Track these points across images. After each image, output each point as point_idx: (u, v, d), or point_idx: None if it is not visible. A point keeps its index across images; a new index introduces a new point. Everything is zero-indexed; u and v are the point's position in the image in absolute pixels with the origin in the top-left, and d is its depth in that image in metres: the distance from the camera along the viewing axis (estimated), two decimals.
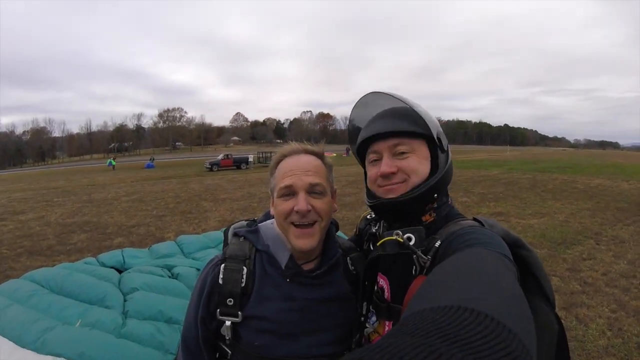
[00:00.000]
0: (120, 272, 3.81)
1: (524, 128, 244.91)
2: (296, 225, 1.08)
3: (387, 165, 1.05)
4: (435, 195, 1.06)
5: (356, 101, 1.25)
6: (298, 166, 1.11)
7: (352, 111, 1.30)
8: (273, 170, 1.16)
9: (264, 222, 1.25)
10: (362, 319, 1.14)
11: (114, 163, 48.53)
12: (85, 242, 8.16)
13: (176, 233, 8.46)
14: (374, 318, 1.14)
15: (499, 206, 11.00)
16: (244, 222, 1.29)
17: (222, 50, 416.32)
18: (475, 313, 0.41)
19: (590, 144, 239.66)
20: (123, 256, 4.46)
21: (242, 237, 1.21)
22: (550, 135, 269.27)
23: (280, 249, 1.16)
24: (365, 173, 1.19)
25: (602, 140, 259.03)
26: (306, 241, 1.08)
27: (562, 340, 0.92)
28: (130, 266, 4.00)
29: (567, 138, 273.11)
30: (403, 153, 1.05)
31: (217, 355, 1.19)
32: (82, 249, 7.52)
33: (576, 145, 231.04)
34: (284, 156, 1.16)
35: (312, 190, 1.08)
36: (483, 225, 0.97)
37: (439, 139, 1.06)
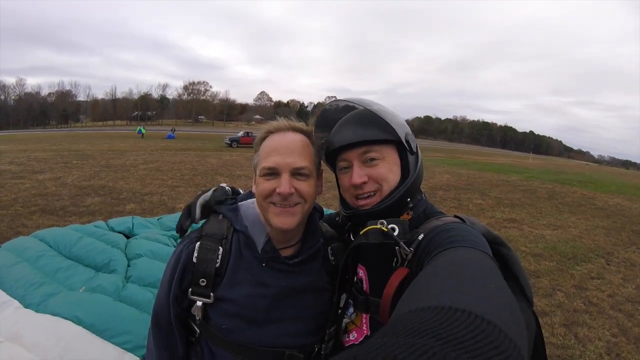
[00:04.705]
0: (128, 237, 3.88)
1: (549, 137, 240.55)
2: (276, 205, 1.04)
3: (357, 175, 1.03)
4: (409, 199, 1.05)
5: (321, 109, 1.23)
6: (283, 145, 1.06)
7: (316, 122, 1.25)
8: (257, 147, 1.11)
9: (245, 202, 1.21)
10: (340, 310, 1.12)
11: (143, 131, 46.38)
12: (98, 205, 8.30)
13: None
14: (351, 309, 1.13)
15: (514, 212, 10.79)
16: (210, 193, 1.21)
17: (254, 28, 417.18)
18: (466, 313, 0.41)
19: (613, 162, 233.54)
20: (133, 223, 4.55)
21: (221, 215, 1.17)
22: (575, 148, 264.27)
23: (258, 231, 1.12)
24: (337, 179, 1.17)
25: (627, 160, 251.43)
26: (286, 220, 1.04)
27: (539, 339, 0.91)
28: (138, 234, 4.08)
29: (592, 152, 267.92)
30: (373, 159, 1.04)
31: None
32: (94, 212, 7.66)
33: (600, 161, 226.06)
34: (270, 132, 1.10)
35: (296, 173, 1.04)
36: (464, 222, 0.96)
37: (407, 141, 1.05)
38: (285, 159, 1.03)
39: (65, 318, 1.97)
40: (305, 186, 1.05)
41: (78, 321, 1.96)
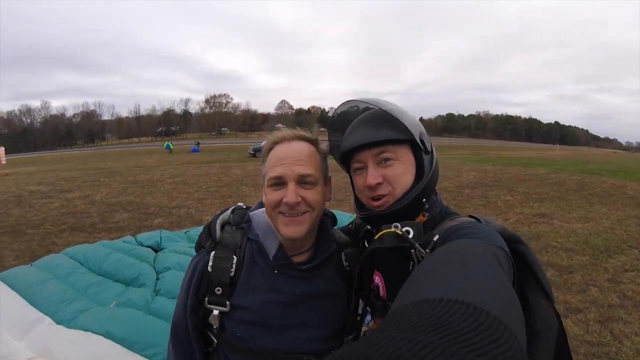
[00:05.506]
0: (156, 251, 3.95)
1: (574, 127, 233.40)
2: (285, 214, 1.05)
3: (372, 176, 1.02)
4: (424, 199, 1.03)
5: (338, 111, 1.23)
6: (289, 154, 1.06)
7: (330, 123, 1.26)
8: (264, 158, 1.12)
9: (256, 211, 1.22)
10: (358, 318, 1.11)
11: (171, 147, 48.01)
12: (127, 221, 8.50)
13: None
14: (368, 317, 1.12)
15: (543, 207, 10.51)
16: (229, 213, 1.22)
17: (271, 37, 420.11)
18: (465, 305, 0.41)
19: None
20: (161, 237, 4.62)
21: (234, 226, 1.18)
22: (602, 136, 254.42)
23: (270, 239, 1.13)
24: (352, 180, 1.15)
25: None
26: (295, 229, 1.04)
27: (561, 336, 0.89)
28: (166, 247, 4.15)
29: (619, 140, 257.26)
30: (387, 160, 1.02)
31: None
32: (122, 228, 7.84)
33: (628, 147, 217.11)
34: (275, 143, 1.11)
35: (302, 181, 1.05)
36: (480, 221, 0.95)
37: (422, 141, 1.03)
38: (290, 168, 1.04)
39: (96, 333, 2.02)
40: (311, 194, 1.05)
41: (109, 336, 2.01)
